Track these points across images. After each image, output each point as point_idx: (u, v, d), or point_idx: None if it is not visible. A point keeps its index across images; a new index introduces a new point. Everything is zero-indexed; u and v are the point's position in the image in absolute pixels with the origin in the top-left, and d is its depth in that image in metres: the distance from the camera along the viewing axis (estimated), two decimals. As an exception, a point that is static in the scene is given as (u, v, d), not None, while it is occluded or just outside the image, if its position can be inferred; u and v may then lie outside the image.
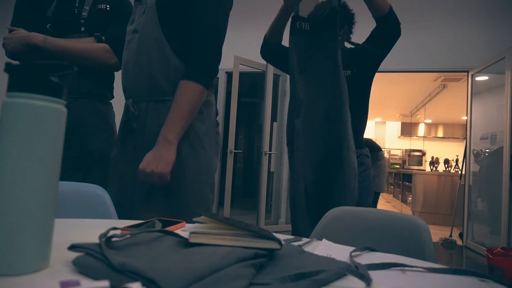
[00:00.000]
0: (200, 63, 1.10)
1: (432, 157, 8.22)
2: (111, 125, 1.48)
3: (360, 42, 1.62)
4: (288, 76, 4.43)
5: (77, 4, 1.42)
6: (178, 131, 1.07)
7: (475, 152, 4.33)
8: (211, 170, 1.17)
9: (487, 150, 4.16)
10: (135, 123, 1.17)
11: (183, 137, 1.11)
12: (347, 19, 1.72)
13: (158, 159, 1.04)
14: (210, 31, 1.10)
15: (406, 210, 6.79)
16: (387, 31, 1.54)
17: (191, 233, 0.54)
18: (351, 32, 1.75)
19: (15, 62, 0.43)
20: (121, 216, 1.05)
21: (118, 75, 1.36)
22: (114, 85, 1.56)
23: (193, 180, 1.11)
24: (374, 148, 5.09)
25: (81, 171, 1.37)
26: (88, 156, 1.39)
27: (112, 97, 1.55)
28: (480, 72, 4.14)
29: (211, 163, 1.17)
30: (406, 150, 9.46)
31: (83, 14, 1.41)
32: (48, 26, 1.38)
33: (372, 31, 1.59)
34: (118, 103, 1.36)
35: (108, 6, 1.45)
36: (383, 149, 5.37)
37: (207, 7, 1.10)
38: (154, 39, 1.12)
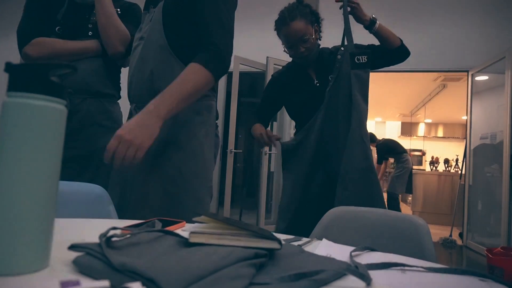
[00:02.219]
0: (215, 53, 1.06)
1: (432, 157, 8.21)
2: (120, 125, 1.49)
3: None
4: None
5: (88, 8, 1.44)
6: (173, 106, 0.98)
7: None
8: (209, 173, 1.16)
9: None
10: None
11: (183, 139, 1.11)
12: (314, 18, 1.69)
13: (142, 128, 0.93)
14: (222, 26, 1.09)
15: (406, 210, 6.79)
16: (394, 59, 1.63)
17: (191, 233, 0.54)
18: (320, 31, 1.73)
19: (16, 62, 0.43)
20: (121, 218, 1.04)
21: (124, 77, 1.37)
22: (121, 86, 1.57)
23: (191, 183, 1.10)
24: (397, 150, 5.06)
25: (90, 169, 1.38)
26: (97, 155, 1.40)
27: (120, 97, 1.56)
28: (480, 72, 4.14)
29: (209, 166, 1.16)
30: (406, 150, 9.46)
31: (92, 18, 1.43)
32: (57, 29, 1.40)
33: (378, 49, 1.62)
34: (125, 105, 1.36)
35: (119, 10, 1.46)
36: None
37: (216, 6, 1.09)
38: (158, 46, 1.12)
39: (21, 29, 1.41)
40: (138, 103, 1.19)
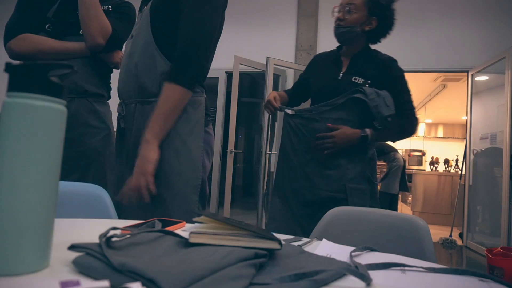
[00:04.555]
0: (182, 64, 1.09)
1: (432, 157, 8.22)
2: (108, 125, 1.49)
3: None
4: (287, 76, 4.42)
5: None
6: (156, 130, 1.06)
7: (475, 152, 4.34)
8: (196, 172, 1.14)
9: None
10: (123, 123, 1.20)
11: (165, 137, 1.11)
12: (377, 10, 1.48)
13: (142, 159, 1.05)
14: (195, 31, 1.09)
15: (406, 210, 6.79)
16: None
17: (191, 233, 0.54)
18: (383, 35, 1.53)
19: (16, 62, 0.43)
20: (119, 216, 1.05)
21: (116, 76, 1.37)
22: (112, 86, 1.57)
23: (175, 182, 1.10)
24: (383, 150, 5.05)
25: (78, 170, 1.37)
26: (85, 156, 1.39)
27: (110, 97, 1.55)
28: (480, 72, 4.14)
29: (196, 165, 1.14)
30: (406, 150, 9.45)
31: None
32: (47, 26, 1.39)
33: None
34: (116, 105, 1.36)
35: (110, 7, 1.46)
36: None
37: (194, 8, 1.10)
38: (144, 42, 1.14)
39: (9, 23, 1.40)
40: (125, 99, 1.21)
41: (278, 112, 1.58)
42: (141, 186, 1.04)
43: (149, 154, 1.05)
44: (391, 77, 1.48)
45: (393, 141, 1.63)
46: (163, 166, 1.09)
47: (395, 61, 1.52)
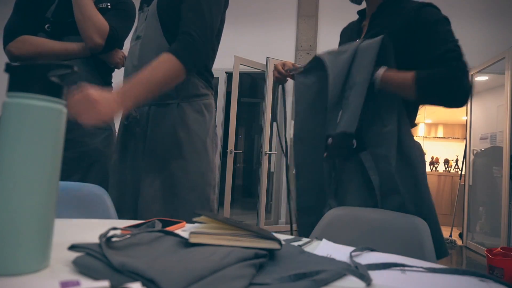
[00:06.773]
0: (188, 42, 1.04)
1: (432, 157, 8.22)
2: (110, 125, 1.48)
3: None
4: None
5: None
6: (141, 94, 0.96)
7: (475, 152, 4.34)
8: (212, 172, 1.18)
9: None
10: (137, 127, 1.17)
11: (187, 139, 1.11)
12: None
13: (104, 106, 0.90)
14: (201, 18, 1.07)
15: (406, 210, 6.79)
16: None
17: (191, 233, 0.54)
18: None
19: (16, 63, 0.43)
20: (136, 218, 1.05)
21: (119, 76, 1.36)
22: (114, 85, 1.56)
23: (197, 182, 1.12)
24: None
25: (80, 171, 1.37)
26: (87, 156, 1.39)
27: None
28: (480, 72, 4.14)
29: (212, 165, 1.18)
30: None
31: None
32: (46, 26, 1.39)
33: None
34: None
35: (108, 4, 1.45)
36: None
37: (199, 2, 1.08)
38: (156, 45, 1.12)
39: (8, 25, 1.40)
40: None
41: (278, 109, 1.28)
42: (77, 115, 0.88)
43: (106, 111, 0.90)
44: (420, 23, 1.04)
45: (427, 103, 1.11)
46: (187, 167, 1.10)
47: (430, 5, 1.07)
